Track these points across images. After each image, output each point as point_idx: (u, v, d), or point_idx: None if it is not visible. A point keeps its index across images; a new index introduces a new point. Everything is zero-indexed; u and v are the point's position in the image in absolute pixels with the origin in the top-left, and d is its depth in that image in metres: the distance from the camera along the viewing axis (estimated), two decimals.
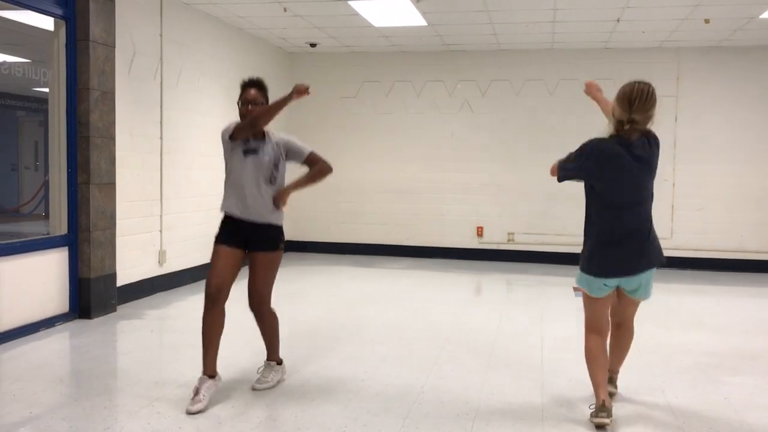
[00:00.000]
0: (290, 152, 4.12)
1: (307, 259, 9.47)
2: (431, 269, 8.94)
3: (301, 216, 10.12)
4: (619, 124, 3.48)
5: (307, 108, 10.10)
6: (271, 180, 3.98)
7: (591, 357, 3.63)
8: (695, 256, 9.20)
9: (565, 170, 3.61)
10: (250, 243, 3.97)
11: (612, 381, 3.86)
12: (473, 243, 9.82)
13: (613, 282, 3.58)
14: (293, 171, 4.19)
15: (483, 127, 9.68)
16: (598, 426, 3.47)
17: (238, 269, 3.98)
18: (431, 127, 9.84)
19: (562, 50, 9.32)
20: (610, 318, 3.75)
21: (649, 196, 3.57)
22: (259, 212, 3.94)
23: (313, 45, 9.46)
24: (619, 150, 3.46)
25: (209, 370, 3.84)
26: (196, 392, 3.72)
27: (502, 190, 9.69)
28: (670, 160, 9.10)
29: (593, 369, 3.61)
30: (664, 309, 6.63)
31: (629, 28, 7.91)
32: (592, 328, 3.67)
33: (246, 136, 3.93)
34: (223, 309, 3.90)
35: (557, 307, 6.55)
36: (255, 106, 3.99)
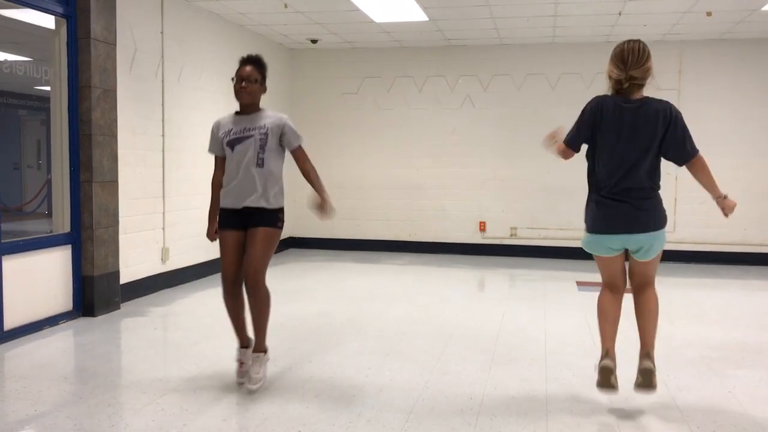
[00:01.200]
0: (283, 136, 4.03)
1: (309, 256, 9.47)
2: (434, 265, 8.94)
3: (303, 213, 10.07)
4: (617, 84, 3.53)
5: (309, 104, 10.12)
6: (259, 163, 3.93)
7: (601, 309, 3.70)
8: (698, 249, 9.20)
9: (569, 137, 3.67)
10: (249, 222, 3.99)
11: (649, 356, 3.58)
12: (476, 238, 9.81)
13: (615, 241, 3.56)
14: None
15: (485, 121, 9.67)
16: (604, 370, 3.51)
17: (241, 254, 4.03)
18: (433, 122, 9.83)
19: (563, 44, 9.29)
20: (629, 282, 3.76)
21: (649, 158, 3.54)
22: (252, 197, 3.94)
23: (314, 41, 9.44)
24: (618, 104, 3.52)
25: (244, 342, 4.13)
26: (241, 363, 4.08)
27: (504, 184, 9.68)
28: None
29: (601, 321, 3.68)
30: (668, 302, 6.60)
31: (631, 21, 7.89)
32: (606, 285, 3.74)
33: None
34: (242, 289, 4.02)
35: (560, 302, 6.55)
36: (249, 83, 3.95)
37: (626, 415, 3.60)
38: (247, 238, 3.99)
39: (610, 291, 3.73)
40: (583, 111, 3.66)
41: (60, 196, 5.75)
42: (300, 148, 4.10)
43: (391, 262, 9.14)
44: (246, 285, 3.95)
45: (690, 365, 4.54)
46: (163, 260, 6.96)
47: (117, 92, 6.01)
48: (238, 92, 3.99)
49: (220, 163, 4.11)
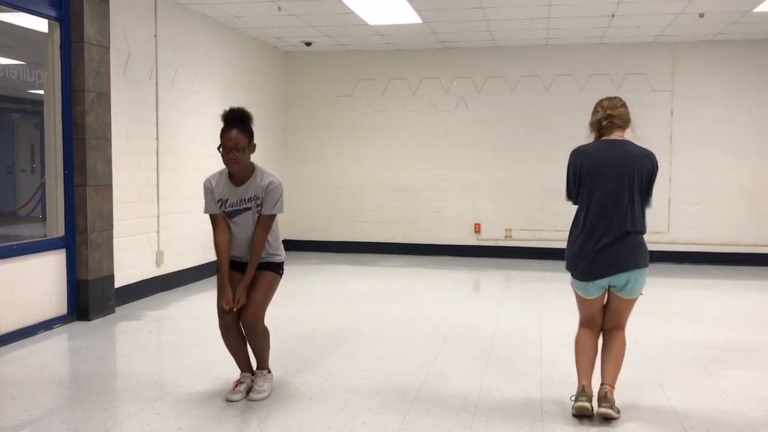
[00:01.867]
0: (264, 198, 3.85)
1: (305, 258, 9.47)
2: (429, 266, 8.95)
3: (300, 215, 10.12)
4: (598, 125, 3.66)
5: (303, 107, 10.12)
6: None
7: (579, 346, 3.74)
8: (692, 250, 9.22)
9: (568, 191, 3.80)
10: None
11: (607, 399, 3.52)
12: (471, 240, 9.82)
13: (601, 282, 3.60)
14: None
15: (479, 123, 9.68)
16: (579, 411, 3.53)
17: None
18: (427, 124, 9.84)
19: (557, 46, 9.32)
20: (603, 323, 3.76)
21: (634, 197, 3.56)
22: (266, 261, 3.93)
23: (308, 44, 9.45)
24: (598, 147, 3.62)
25: (246, 369, 4.01)
26: (238, 384, 3.92)
27: (499, 186, 9.69)
28: (666, 155, 9.11)
29: (579, 357, 3.70)
30: (663, 303, 6.64)
31: (624, 23, 7.91)
32: (585, 323, 3.78)
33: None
34: (240, 327, 3.90)
35: (555, 303, 6.56)
36: (238, 153, 3.71)
37: (621, 416, 3.60)
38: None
39: (590, 329, 3.75)
40: (570, 163, 3.73)
41: (54, 199, 5.73)
42: (270, 217, 3.85)
43: (387, 264, 9.14)
44: (244, 326, 3.87)
45: (685, 365, 4.55)
46: (158, 264, 6.95)
47: (111, 96, 6.00)
48: (228, 163, 3.81)
49: (220, 221, 3.89)
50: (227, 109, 3.83)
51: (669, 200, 9.27)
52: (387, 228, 10.03)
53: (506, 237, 9.73)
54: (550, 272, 8.31)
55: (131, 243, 6.50)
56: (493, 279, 8.29)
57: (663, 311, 6.28)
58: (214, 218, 3.91)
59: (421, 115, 9.86)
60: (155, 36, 6.82)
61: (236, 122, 3.77)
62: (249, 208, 3.84)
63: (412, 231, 9.97)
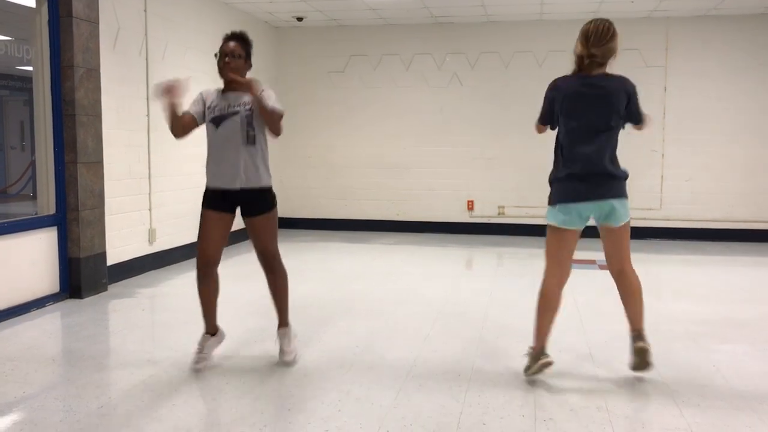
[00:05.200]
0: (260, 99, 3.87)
1: (298, 236, 9.46)
2: (422, 244, 8.96)
3: (292, 193, 10.10)
4: (579, 60, 3.61)
5: (295, 84, 10.05)
6: (249, 140, 3.83)
7: (546, 299, 3.72)
8: (684, 226, 9.27)
9: (540, 117, 3.77)
10: (243, 209, 3.94)
11: (641, 336, 3.72)
12: (464, 217, 9.83)
13: (586, 208, 3.59)
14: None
15: (472, 100, 9.64)
16: (544, 366, 3.64)
17: (228, 233, 4.00)
18: (420, 100, 9.79)
19: (551, 21, 9.26)
20: (609, 268, 3.80)
21: (609, 131, 3.59)
22: (243, 177, 3.84)
23: (299, 19, 9.35)
24: (575, 83, 3.60)
25: (211, 329, 4.08)
26: (200, 350, 3.99)
27: (492, 163, 9.68)
28: (659, 131, 9.11)
29: (545, 313, 3.73)
30: (654, 279, 6.68)
31: None
32: (556, 267, 3.72)
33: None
34: (216, 274, 4.02)
35: None
36: (233, 59, 3.82)
37: (613, 390, 3.63)
38: (249, 227, 3.95)
39: (559, 276, 3.71)
40: (547, 92, 3.72)
41: (44, 177, 5.69)
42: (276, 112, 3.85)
43: (379, 241, 9.15)
44: (265, 269, 4.04)
45: (676, 340, 4.59)
46: (150, 241, 6.93)
47: (100, 71, 5.93)
48: (222, 69, 3.86)
49: (190, 117, 3.93)
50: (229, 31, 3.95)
51: (662, 176, 9.28)
52: (379, 205, 10.02)
53: (499, 214, 9.74)
54: (543, 248, 8.33)
55: (123, 220, 6.47)
56: (486, 256, 8.31)
57: (655, 287, 6.31)
58: (187, 116, 3.91)
59: (413, 91, 9.80)
60: (145, 11, 6.73)
61: (236, 37, 3.91)
62: (237, 112, 3.82)
63: (405, 208, 9.97)
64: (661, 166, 9.26)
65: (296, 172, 10.15)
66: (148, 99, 6.81)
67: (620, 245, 3.74)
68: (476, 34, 9.55)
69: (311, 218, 10.18)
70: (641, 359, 3.69)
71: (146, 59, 6.78)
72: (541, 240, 9.51)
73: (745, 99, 9.05)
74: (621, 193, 3.63)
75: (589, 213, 3.65)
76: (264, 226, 3.95)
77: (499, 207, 9.73)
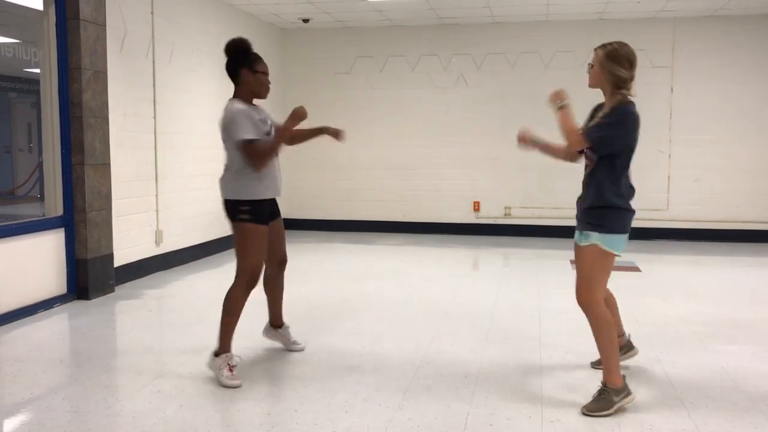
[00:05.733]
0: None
1: (303, 237, 9.47)
2: (428, 245, 8.96)
3: (299, 194, 10.11)
4: (628, 83, 3.40)
5: (301, 85, 10.06)
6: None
7: (609, 324, 3.45)
8: (691, 227, 9.24)
9: (604, 143, 3.38)
10: (274, 214, 4.13)
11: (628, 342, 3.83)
12: (470, 218, 9.83)
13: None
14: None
15: (478, 101, 9.64)
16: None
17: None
18: (426, 102, 9.79)
19: (557, 22, 9.25)
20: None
21: None
22: (282, 184, 4.10)
23: (305, 21, 9.37)
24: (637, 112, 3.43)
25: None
26: (231, 367, 3.82)
27: (498, 164, 9.67)
28: (665, 132, 9.10)
29: (613, 337, 3.45)
30: (661, 280, 6.66)
31: None
32: (601, 293, 3.50)
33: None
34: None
35: (554, 281, 6.57)
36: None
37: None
38: (272, 231, 4.07)
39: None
40: (627, 124, 3.38)
41: (52, 179, 5.71)
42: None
43: (386, 242, 9.15)
44: (281, 271, 4.30)
45: (682, 341, 4.57)
46: (157, 243, 6.95)
47: (108, 74, 5.95)
48: (266, 89, 4.00)
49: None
50: (242, 38, 4.02)
51: (669, 177, 9.26)
52: (385, 206, 10.03)
53: (505, 215, 9.73)
54: (549, 250, 8.33)
55: (130, 222, 6.50)
56: (492, 257, 8.30)
57: (661, 288, 6.30)
58: (257, 144, 3.77)
59: (419, 93, 9.81)
60: (152, 13, 6.76)
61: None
62: (271, 129, 3.96)
63: (411, 209, 9.97)
64: (668, 167, 9.23)
65: (302, 174, 10.17)
66: (154, 101, 6.84)
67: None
68: (482, 35, 9.55)
69: (317, 219, 10.19)
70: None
71: (153, 61, 6.80)
72: (547, 241, 9.49)
73: (752, 99, 9.01)
74: None
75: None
76: (282, 228, 4.23)
77: (505, 208, 9.72)
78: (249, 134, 3.74)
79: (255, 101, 3.99)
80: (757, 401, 3.52)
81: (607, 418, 3.29)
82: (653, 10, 8.53)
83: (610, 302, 3.84)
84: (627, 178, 3.45)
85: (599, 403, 3.37)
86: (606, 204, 3.41)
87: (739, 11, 8.64)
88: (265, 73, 3.98)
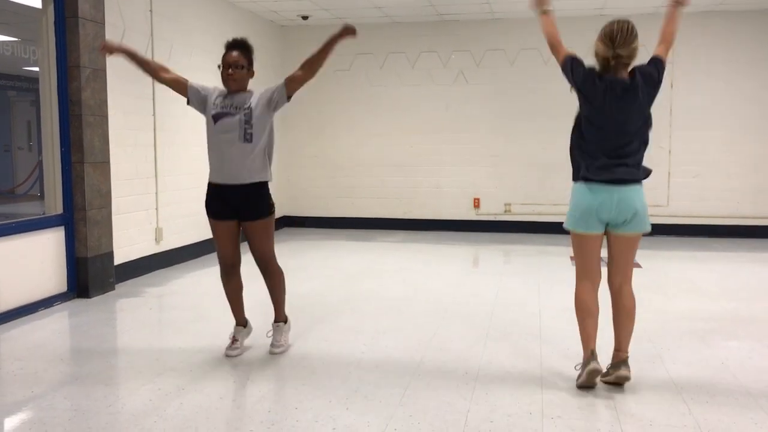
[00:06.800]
0: (271, 99, 4.03)
1: (304, 234, 9.47)
2: (428, 242, 8.95)
3: (299, 191, 10.10)
4: (604, 62, 3.51)
5: None
6: (246, 138, 3.93)
7: (582, 305, 3.61)
8: (692, 222, 9.23)
9: (572, 65, 3.62)
10: (241, 212, 4.03)
11: (625, 363, 3.61)
12: (470, 215, 9.82)
13: (604, 201, 3.51)
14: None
15: (478, 97, 9.63)
16: (593, 372, 3.50)
17: (239, 237, 4.15)
18: (426, 98, 9.78)
19: (557, 18, 9.20)
20: (609, 280, 3.71)
21: (643, 128, 3.56)
22: (239, 173, 3.94)
23: (305, 18, 9.35)
24: (607, 85, 3.48)
25: (240, 321, 4.31)
26: (233, 340, 4.21)
27: (498, 160, 9.67)
28: (666, 127, 9.08)
29: (585, 318, 3.60)
30: (661, 275, 6.66)
31: None
32: (585, 274, 3.64)
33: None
34: (239, 273, 4.23)
35: (555, 277, 6.57)
36: (236, 70, 3.93)
37: (621, 388, 3.62)
38: (245, 232, 4.08)
39: (590, 282, 3.63)
40: (580, 67, 3.60)
41: (51, 177, 5.71)
42: (285, 81, 4.07)
43: (386, 239, 9.15)
44: (261, 271, 4.18)
45: (683, 337, 4.57)
46: (157, 240, 6.95)
47: (107, 72, 5.95)
48: (225, 80, 3.97)
49: (183, 82, 4.09)
50: (230, 38, 4.04)
51: (669, 173, 9.25)
52: (386, 203, 10.02)
53: (505, 212, 9.72)
54: (550, 246, 8.32)
55: (130, 220, 6.49)
56: (492, 254, 8.30)
57: (662, 284, 6.30)
58: (183, 86, 4.07)
59: (419, 89, 9.80)
60: (150, 11, 6.75)
61: (238, 46, 3.98)
62: (236, 114, 3.92)
63: (411, 206, 9.97)
64: (669, 163, 9.22)
65: (302, 171, 10.16)
66: (154, 99, 6.83)
67: (629, 253, 3.70)
68: (482, 32, 9.53)
69: (317, 217, 10.18)
70: (618, 381, 3.60)
71: (152, 59, 6.78)
72: (547, 237, 9.50)
73: (752, 94, 9.00)
74: (640, 174, 3.74)
75: (607, 213, 3.61)
76: (258, 232, 4.10)
77: (505, 205, 9.72)
78: (188, 93, 4.05)
79: (249, 89, 4.08)
80: (758, 397, 3.52)
81: (607, 413, 3.29)
82: (653, 6, 8.51)
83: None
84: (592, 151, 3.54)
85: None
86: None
87: (740, 6, 8.62)
88: (226, 66, 3.94)
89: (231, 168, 3.95)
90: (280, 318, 4.33)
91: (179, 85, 4.10)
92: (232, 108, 3.94)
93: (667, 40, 3.69)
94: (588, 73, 3.54)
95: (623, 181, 3.52)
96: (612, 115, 3.47)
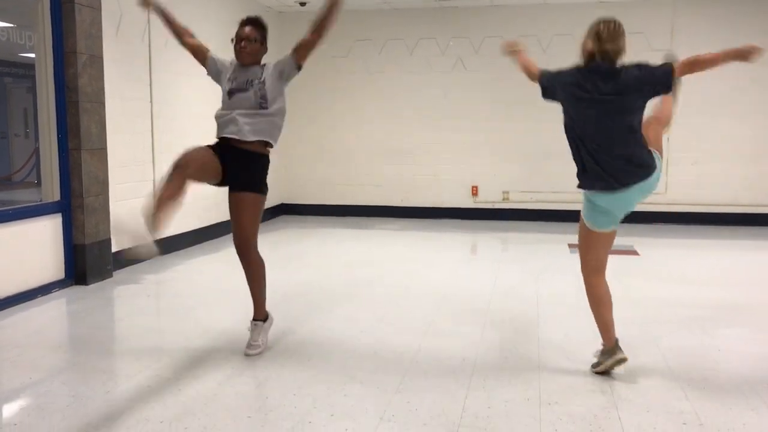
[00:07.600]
0: (283, 71, 4.04)
1: (301, 222, 9.47)
2: (426, 230, 8.95)
3: (296, 179, 10.08)
4: (590, 56, 3.57)
5: None
6: (263, 106, 3.90)
7: (599, 296, 3.63)
8: (689, 210, 9.24)
9: (546, 77, 3.78)
10: (233, 175, 3.86)
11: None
12: (468, 202, 9.82)
13: (617, 203, 3.55)
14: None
15: (476, 85, 9.60)
16: (619, 361, 3.55)
17: (209, 166, 3.82)
18: (424, 85, 9.75)
19: (555, 5, 9.19)
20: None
21: (635, 121, 3.63)
22: (243, 129, 3.83)
23: (302, 4, 9.31)
24: (593, 80, 3.53)
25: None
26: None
27: (496, 148, 9.65)
28: None
29: (602, 308, 3.63)
30: (659, 263, 6.67)
31: None
32: (595, 269, 3.66)
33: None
34: (185, 182, 3.70)
35: (552, 264, 6.58)
36: (249, 43, 3.98)
37: (618, 375, 3.63)
38: (231, 204, 3.92)
39: (602, 275, 3.67)
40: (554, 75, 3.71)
41: (48, 164, 5.69)
42: (294, 49, 4.09)
43: (384, 227, 9.15)
44: (238, 254, 3.93)
45: (680, 325, 4.58)
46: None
47: (103, 58, 5.91)
48: (239, 53, 4.00)
49: (204, 51, 4.24)
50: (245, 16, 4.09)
51: (667, 160, 9.22)
52: (384, 191, 10.01)
53: (504, 199, 9.72)
54: (548, 234, 8.32)
55: (128, 207, 6.47)
56: (490, 241, 8.30)
57: (659, 271, 6.31)
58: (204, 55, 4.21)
59: (418, 77, 9.76)
60: None
61: (251, 22, 4.06)
62: (249, 89, 3.91)
63: (409, 194, 9.96)
64: (667, 150, 9.16)
65: (300, 159, 10.13)
66: (151, 85, 6.80)
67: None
68: (480, 19, 9.49)
69: (315, 204, 10.17)
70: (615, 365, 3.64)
71: (149, 45, 6.75)
72: (545, 225, 9.50)
73: (751, 82, 8.98)
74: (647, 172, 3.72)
75: (622, 209, 3.67)
76: (245, 206, 3.89)
77: (503, 192, 9.71)
78: (208, 62, 4.20)
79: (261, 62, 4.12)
80: (755, 384, 3.53)
81: (604, 399, 3.30)
82: None
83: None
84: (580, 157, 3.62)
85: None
86: None
87: None
88: (239, 39, 4.01)
89: (239, 124, 3.84)
90: (259, 315, 4.05)
91: (200, 54, 4.21)
92: (246, 83, 3.93)
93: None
94: (564, 71, 3.64)
95: (616, 187, 3.54)
96: (594, 110, 3.52)
